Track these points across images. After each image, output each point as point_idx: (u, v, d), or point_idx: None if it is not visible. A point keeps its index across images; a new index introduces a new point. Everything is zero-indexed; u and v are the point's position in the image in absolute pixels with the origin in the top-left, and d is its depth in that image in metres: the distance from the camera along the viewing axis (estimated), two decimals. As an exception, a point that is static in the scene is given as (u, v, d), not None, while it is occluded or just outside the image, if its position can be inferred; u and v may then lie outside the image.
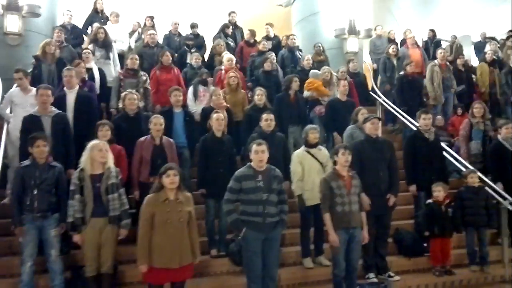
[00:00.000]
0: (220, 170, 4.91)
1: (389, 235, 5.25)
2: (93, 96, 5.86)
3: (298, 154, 5.11)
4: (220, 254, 4.98)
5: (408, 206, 5.89)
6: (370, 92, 8.54)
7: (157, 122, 4.92)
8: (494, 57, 8.85)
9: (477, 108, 6.44)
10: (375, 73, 9.44)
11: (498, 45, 10.03)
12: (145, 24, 8.49)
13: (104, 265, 4.00)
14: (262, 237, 3.96)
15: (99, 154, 4.05)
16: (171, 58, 6.80)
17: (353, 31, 9.26)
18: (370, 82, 9.01)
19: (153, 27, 8.24)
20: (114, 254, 4.10)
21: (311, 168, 4.98)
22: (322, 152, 5.11)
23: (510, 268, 5.25)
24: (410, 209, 5.85)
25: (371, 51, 9.76)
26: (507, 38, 10.32)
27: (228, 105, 6.15)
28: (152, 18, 8.51)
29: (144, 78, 6.29)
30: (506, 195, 5.31)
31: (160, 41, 8.26)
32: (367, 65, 9.73)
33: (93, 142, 4.17)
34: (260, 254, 3.97)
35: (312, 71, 7.57)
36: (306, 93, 7.14)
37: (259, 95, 6.13)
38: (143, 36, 7.86)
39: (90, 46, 7.18)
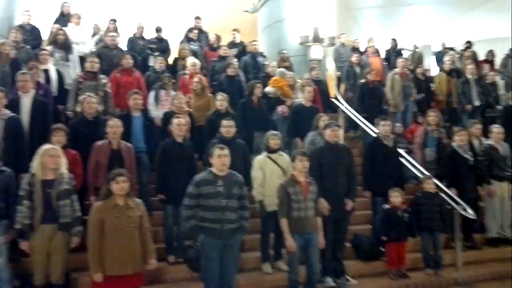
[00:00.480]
0: (180, 176, 4.85)
1: (347, 240, 5.31)
2: (49, 101, 5.70)
3: (259, 160, 5.13)
4: (178, 261, 4.91)
5: (366, 211, 6.00)
6: (333, 99, 8.66)
7: (113, 125, 4.82)
8: (452, 67, 9.15)
9: (432, 116, 6.66)
10: (339, 80, 9.61)
11: (457, 55, 10.40)
12: (108, 27, 8.35)
13: (54, 274, 3.87)
14: (220, 244, 3.92)
15: (50, 159, 3.94)
16: (131, 61, 6.70)
17: (317, 39, 9.39)
18: (333, 90, 9.14)
19: (115, 30, 8.11)
20: (65, 262, 3.97)
21: (272, 174, 5.00)
22: (283, 157, 5.14)
23: (462, 271, 5.40)
24: (367, 214, 5.96)
25: (335, 59, 9.91)
26: (465, 48, 10.74)
27: (190, 109, 6.11)
28: (114, 21, 8.39)
29: (104, 81, 6.17)
30: (460, 201, 5.47)
31: (125, 44, 8.16)
32: (331, 73, 9.87)
33: (45, 147, 4.05)
34: (218, 260, 3.93)
35: (279, 69, 7.63)
36: (270, 89, 7.15)
37: (221, 100, 6.12)
38: (105, 38, 7.72)
39: (49, 48, 7.00)
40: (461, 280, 5.35)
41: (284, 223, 4.27)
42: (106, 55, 7.11)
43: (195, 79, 6.65)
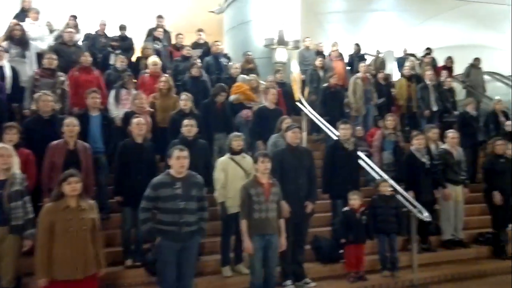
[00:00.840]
0: (139, 177, 4.75)
1: (307, 242, 5.35)
2: (2, 98, 5.47)
3: (222, 161, 5.10)
4: (136, 264, 4.81)
5: (326, 214, 6.06)
6: (296, 102, 8.72)
7: (70, 124, 4.67)
8: (412, 72, 9.40)
9: (389, 120, 6.84)
10: (304, 84, 9.70)
11: (417, 61, 10.69)
12: (67, 23, 8.11)
13: (4, 278, 3.74)
14: (177, 246, 3.87)
15: (1, 159, 3.79)
16: (90, 59, 6.52)
17: (282, 42, 9.44)
18: (298, 93, 9.22)
19: (75, 26, 7.89)
20: (16, 266, 3.83)
21: (234, 176, 4.98)
22: (246, 159, 5.12)
23: (418, 273, 5.52)
24: (327, 217, 6.02)
25: (300, 62, 10.00)
26: (425, 55, 11.06)
27: (151, 109, 6.00)
28: (75, 17, 8.16)
29: (62, 78, 5.99)
30: (416, 204, 5.58)
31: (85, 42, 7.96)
32: (295, 76, 9.95)
33: (-6, 146, 3.89)
34: (175, 264, 3.88)
35: (240, 76, 7.62)
36: (232, 97, 7.16)
37: (185, 100, 6.04)
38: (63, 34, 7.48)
39: (5, 44, 6.73)
40: (416, 281, 5.47)
41: (244, 224, 4.25)
42: (64, 51, 6.90)
43: (163, 78, 6.54)
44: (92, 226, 3.60)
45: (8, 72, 6.14)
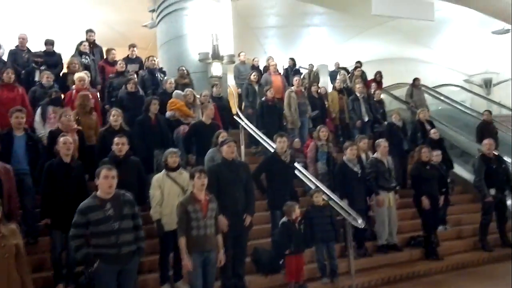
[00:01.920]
0: (68, 198, 4.51)
1: (247, 255, 5.33)
2: None
3: (158, 178, 5.00)
4: (68, 289, 4.56)
5: (265, 225, 6.09)
6: (234, 116, 8.76)
7: None
8: (343, 85, 9.79)
9: (323, 132, 7.02)
10: (240, 97, 9.75)
11: (348, 75, 11.13)
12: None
13: None
14: (117, 269, 3.71)
15: None
16: (13, 76, 6.18)
17: (217, 56, 9.45)
18: (235, 107, 9.26)
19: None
20: None
21: (170, 192, 4.90)
22: (183, 175, 5.04)
23: (356, 278, 5.66)
24: (267, 228, 6.03)
25: (235, 76, 10.08)
26: (355, 68, 11.54)
27: (79, 127, 5.75)
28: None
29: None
30: (351, 211, 5.73)
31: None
32: (232, 90, 10.01)
33: None
34: (115, 286, 3.72)
35: (175, 91, 7.53)
36: (168, 113, 7.06)
37: (115, 116, 5.84)
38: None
39: None
40: (355, 287, 5.62)
41: (182, 242, 4.16)
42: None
43: (83, 93, 6.26)
44: (16, 252, 3.36)
45: None
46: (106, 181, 3.73)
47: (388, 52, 16.31)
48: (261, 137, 7.73)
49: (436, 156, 7.10)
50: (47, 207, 4.65)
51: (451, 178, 7.81)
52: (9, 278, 3.27)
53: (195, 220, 4.17)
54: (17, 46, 7.88)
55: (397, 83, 12.55)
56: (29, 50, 7.88)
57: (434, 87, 12.60)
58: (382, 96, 10.22)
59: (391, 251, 6.49)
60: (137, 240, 3.86)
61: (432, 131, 8.24)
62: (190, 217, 4.17)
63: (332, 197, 5.91)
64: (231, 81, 10.56)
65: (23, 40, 7.89)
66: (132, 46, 8.89)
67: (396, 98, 11.65)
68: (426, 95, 11.39)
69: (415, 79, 11.12)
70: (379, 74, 11.30)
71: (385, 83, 11.71)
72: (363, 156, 6.81)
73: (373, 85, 10.31)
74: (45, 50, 7.92)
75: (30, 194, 5.12)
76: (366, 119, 9.17)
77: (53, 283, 4.62)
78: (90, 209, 3.69)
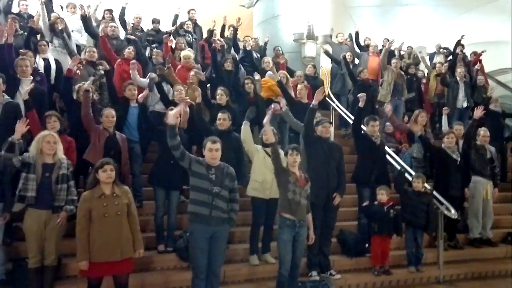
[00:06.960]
0: (171, 162, 4.74)
1: (333, 235, 5.43)
2: (45, 90, 5.72)
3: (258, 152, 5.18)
4: (168, 250, 5.00)
5: (352, 208, 6.14)
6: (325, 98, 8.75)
7: (108, 114, 4.93)
8: (443, 69, 9.26)
9: (422, 117, 6.75)
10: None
11: (449, 58, 10.48)
12: (103, 17, 8.35)
13: (48, 257, 3.95)
14: (209, 232, 3.95)
15: (46, 146, 3.99)
16: (133, 53, 6.83)
17: (311, 36, 9.42)
18: (327, 88, 9.23)
19: (112, 20, 8.13)
20: (59, 246, 4.04)
21: (264, 163, 5.07)
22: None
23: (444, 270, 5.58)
24: (354, 211, 6.08)
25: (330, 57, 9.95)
26: (455, 51, 10.76)
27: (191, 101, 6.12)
28: (111, 11, 8.39)
29: (102, 72, 6.17)
30: (444, 201, 5.59)
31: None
32: (324, 70, 9.95)
33: (42, 133, 4.10)
34: (206, 250, 3.97)
35: (268, 72, 7.69)
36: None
37: (220, 94, 6.12)
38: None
39: (48, 35, 7.02)
40: (442, 278, 5.55)
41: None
42: (112, 44, 7.21)
43: (192, 72, 6.66)
44: (127, 211, 3.75)
45: (52, 64, 6.44)
46: (211, 153, 4.02)
47: (494, 34, 15.03)
48: (351, 118, 7.66)
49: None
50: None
51: None
52: (121, 234, 3.67)
53: (293, 184, 4.30)
54: (132, 26, 8.51)
55: (502, 68, 11.60)
56: (142, 29, 8.50)
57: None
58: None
59: (484, 246, 6.24)
60: (230, 211, 4.10)
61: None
62: (288, 180, 4.31)
63: (425, 185, 5.75)
64: (324, 62, 10.47)
65: (139, 19, 8.51)
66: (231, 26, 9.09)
67: (500, 83, 10.82)
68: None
69: None
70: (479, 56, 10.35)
71: (489, 67, 10.88)
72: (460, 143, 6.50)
73: (475, 68, 9.64)
74: (152, 28, 8.48)
75: (138, 161, 5.60)
76: (465, 105, 8.66)
77: (155, 244, 5.07)
78: (198, 162, 4.01)
